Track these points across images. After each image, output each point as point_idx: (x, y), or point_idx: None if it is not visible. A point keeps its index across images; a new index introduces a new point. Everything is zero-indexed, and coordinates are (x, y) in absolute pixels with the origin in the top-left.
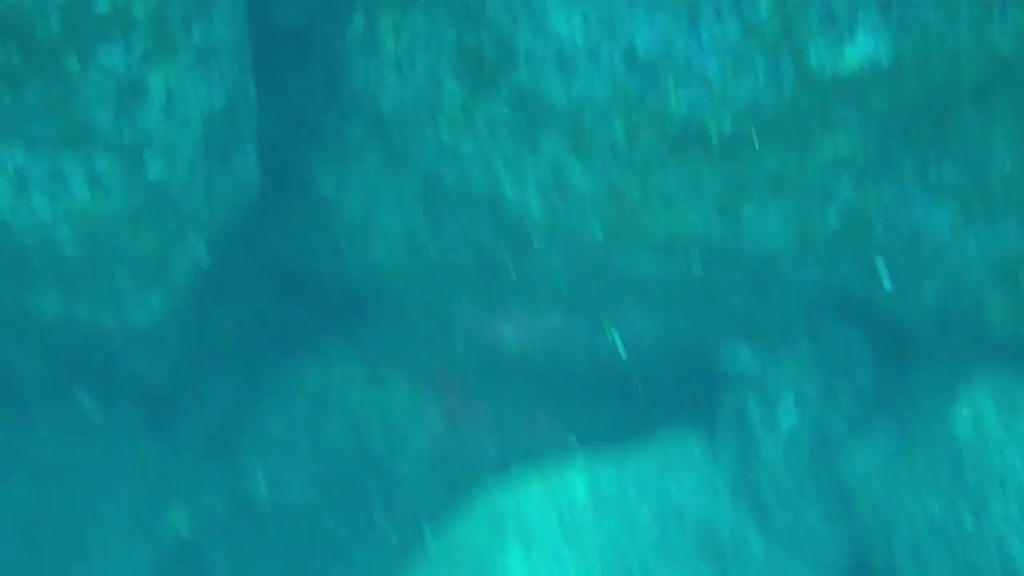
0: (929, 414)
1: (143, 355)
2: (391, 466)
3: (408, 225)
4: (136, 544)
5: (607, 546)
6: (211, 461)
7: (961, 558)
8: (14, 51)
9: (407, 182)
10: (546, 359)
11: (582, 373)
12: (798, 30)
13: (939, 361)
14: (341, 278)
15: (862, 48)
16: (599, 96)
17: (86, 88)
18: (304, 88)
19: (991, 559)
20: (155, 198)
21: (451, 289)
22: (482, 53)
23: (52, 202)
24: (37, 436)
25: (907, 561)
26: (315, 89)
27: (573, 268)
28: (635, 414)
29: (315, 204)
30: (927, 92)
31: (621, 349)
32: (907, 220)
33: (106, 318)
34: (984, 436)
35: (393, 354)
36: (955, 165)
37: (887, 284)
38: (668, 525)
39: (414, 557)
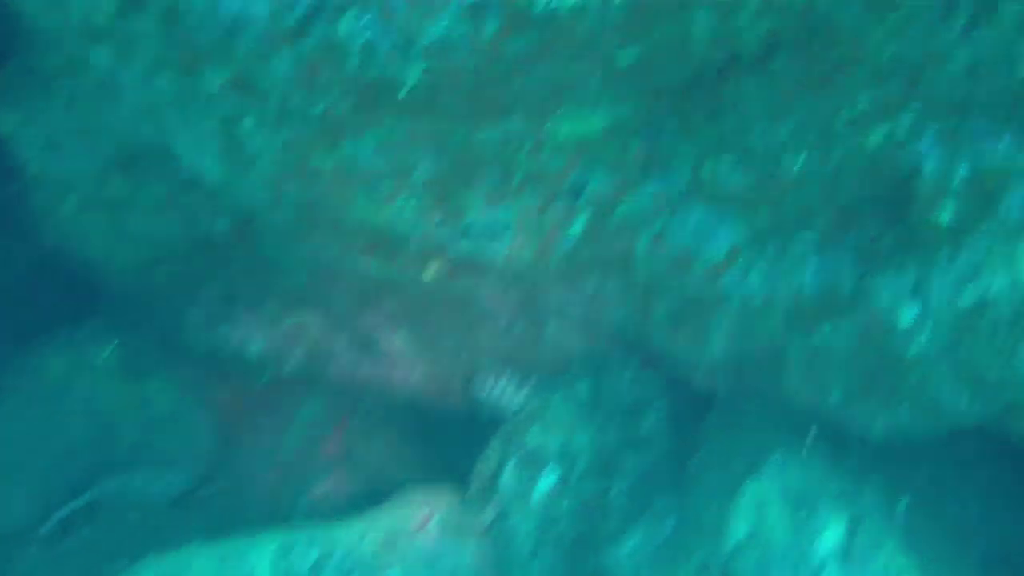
0: (711, 499)
1: None
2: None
3: (103, 181)
4: None
5: None
6: None
7: None
8: None
9: (93, 124)
10: (297, 369)
11: (335, 388)
12: None
13: (736, 424)
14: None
15: None
16: (258, 16)
17: None
18: None
19: None
20: None
21: (167, 269)
22: None
23: None
24: None
25: None
26: None
27: (294, 258)
28: (389, 461)
29: None
30: (689, 51)
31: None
32: (678, 233)
33: None
34: (764, 542)
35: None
36: (735, 160)
37: (659, 317)
38: None
39: None
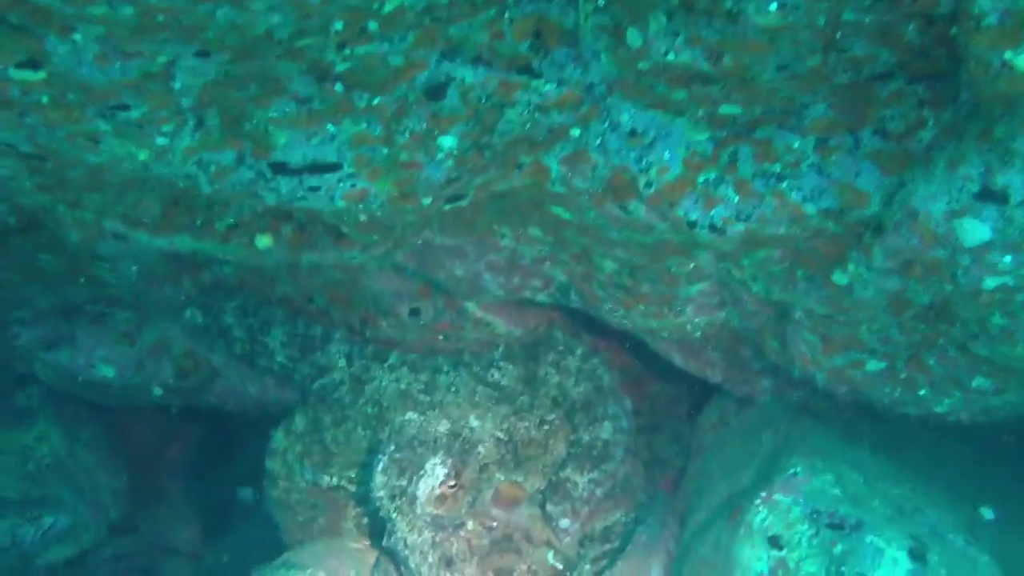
0: (710, 528)
1: None
2: None
3: None
4: None
5: None
6: None
7: None
8: None
9: None
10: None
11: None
12: None
13: (734, 421)
14: None
15: None
16: None
17: None
18: None
19: None
20: None
21: None
22: None
23: None
24: None
25: None
26: None
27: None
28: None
29: None
30: None
31: None
32: (604, 146)
33: None
34: None
35: None
36: (672, 21)
37: (607, 274)
38: None
39: None
